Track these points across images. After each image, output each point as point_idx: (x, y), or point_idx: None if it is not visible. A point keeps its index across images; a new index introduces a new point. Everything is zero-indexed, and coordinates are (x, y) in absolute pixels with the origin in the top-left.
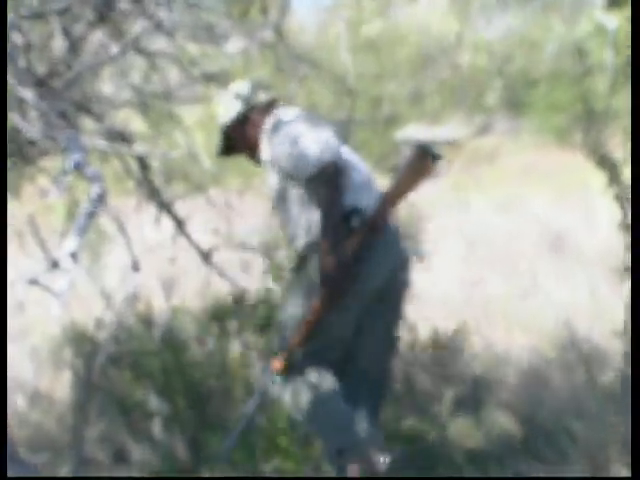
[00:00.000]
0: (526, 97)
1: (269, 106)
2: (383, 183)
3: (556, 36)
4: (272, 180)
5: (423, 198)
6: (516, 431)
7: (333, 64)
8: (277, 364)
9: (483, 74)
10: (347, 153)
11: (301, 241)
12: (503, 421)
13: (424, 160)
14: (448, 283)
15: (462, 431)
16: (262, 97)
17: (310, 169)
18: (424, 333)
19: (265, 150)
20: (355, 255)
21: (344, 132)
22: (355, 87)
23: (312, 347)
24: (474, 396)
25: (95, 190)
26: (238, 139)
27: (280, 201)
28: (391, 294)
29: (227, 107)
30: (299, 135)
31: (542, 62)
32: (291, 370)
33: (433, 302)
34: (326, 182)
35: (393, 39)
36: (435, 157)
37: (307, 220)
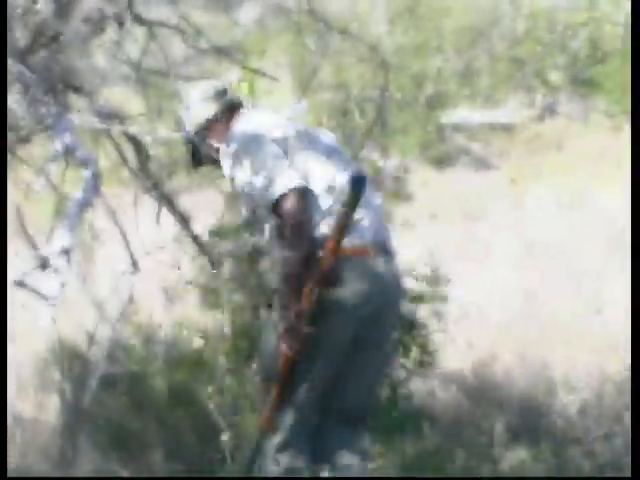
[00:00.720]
0: (595, 74)
1: (233, 111)
2: (427, 176)
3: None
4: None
5: (473, 192)
6: (581, 466)
7: (366, 36)
8: (264, 422)
9: (544, 47)
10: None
11: (275, 275)
12: (566, 455)
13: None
14: (501, 293)
15: (517, 466)
16: (227, 101)
17: (273, 198)
18: (472, 353)
19: (226, 163)
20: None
21: (379, 115)
22: (393, 62)
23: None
24: (530, 425)
25: (88, 175)
26: (203, 147)
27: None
28: (377, 324)
29: (195, 111)
30: (266, 157)
31: (613, 35)
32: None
33: (483, 315)
34: (290, 224)
35: (437, 7)
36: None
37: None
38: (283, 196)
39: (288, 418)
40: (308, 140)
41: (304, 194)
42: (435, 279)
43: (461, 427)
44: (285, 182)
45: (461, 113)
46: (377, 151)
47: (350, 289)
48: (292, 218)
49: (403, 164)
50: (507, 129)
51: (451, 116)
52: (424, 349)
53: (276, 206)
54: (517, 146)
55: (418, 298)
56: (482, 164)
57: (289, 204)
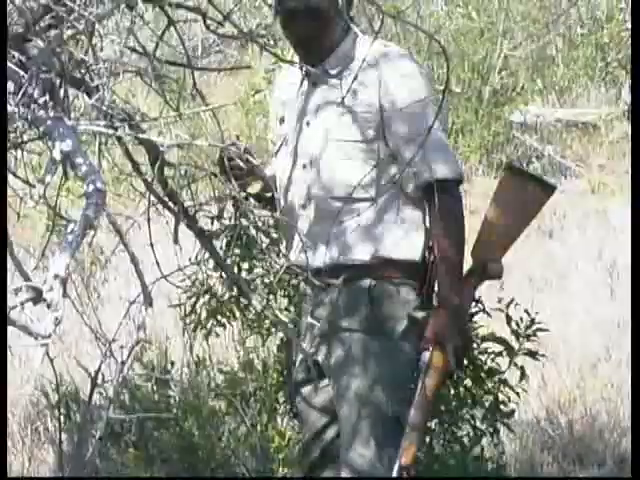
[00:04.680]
0: None
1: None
2: (492, 185)
3: None
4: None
5: (548, 205)
6: None
7: (422, 18)
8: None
9: (629, 32)
10: None
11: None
12: None
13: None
14: (582, 324)
15: None
16: None
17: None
18: (551, 395)
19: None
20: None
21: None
22: (452, 48)
23: None
24: None
25: (90, 190)
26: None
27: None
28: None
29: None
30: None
31: None
32: None
33: (565, 352)
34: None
35: None
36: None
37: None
38: (451, 182)
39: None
40: None
41: None
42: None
43: None
44: (456, 166)
45: (533, 110)
46: None
47: None
48: (460, 206)
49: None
50: (587, 129)
51: (521, 114)
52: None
53: (430, 188)
54: (600, 149)
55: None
56: (558, 170)
57: (457, 192)
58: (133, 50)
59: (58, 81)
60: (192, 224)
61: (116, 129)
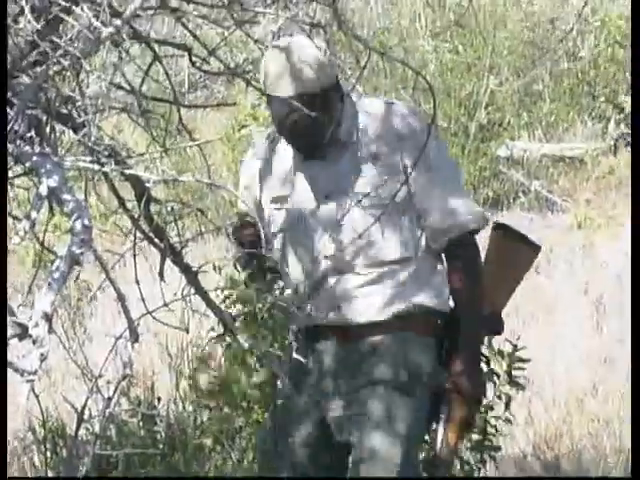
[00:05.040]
0: None
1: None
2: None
3: None
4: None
5: (534, 239)
6: None
7: (408, 52)
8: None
9: (617, 66)
10: None
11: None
12: None
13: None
14: (568, 359)
15: None
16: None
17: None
18: (538, 431)
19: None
20: None
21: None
22: (438, 83)
23: None
24: None
25: (77, 226)
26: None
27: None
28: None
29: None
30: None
31: None
32: None
33: (552, 387)
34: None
35: (490, 18)
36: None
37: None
38: (476, 230)
39: None
40: None
41: None
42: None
43: None
44: (482, 213)
45: (519, 145)
46: None
47: None
48: (480, 255)
49: None
50: (574, 164)
51: (507, 148)
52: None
53: (462, 236)
54: (586, 184)
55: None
56: (544, 205)
57: (476, 240)
58: (119, 87)
59: (44, 117)
60: (178, 260)
61: (102, 165)
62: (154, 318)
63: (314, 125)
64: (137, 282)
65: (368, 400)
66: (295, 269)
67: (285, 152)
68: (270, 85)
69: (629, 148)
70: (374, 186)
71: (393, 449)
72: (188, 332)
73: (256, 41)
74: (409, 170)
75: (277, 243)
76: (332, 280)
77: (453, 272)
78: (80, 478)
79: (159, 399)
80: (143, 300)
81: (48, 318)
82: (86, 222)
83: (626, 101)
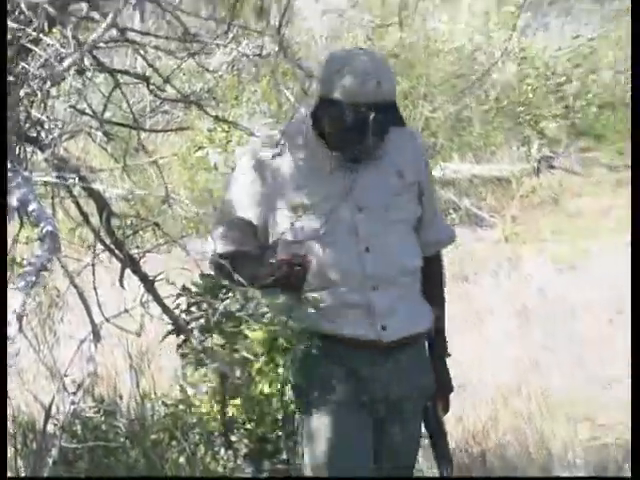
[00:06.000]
0: (595, 124)
1: None
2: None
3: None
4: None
5: (464, 252)
6: None
7: None
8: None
9: (539, 94)
10: None
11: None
12: None
13: None
14: (495, 363)
15: None
16: None
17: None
18: (463, 428)
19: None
20: None
21: None
22: None
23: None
24: None
25: (44, 233)
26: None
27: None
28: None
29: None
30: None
31: (614, 81)
32: None
33: (478, 390)
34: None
35: (423, 51)
36: None
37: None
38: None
39: None
40: None
41: None
42: None
43: None
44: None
45: (451, 167)
46: None
47: None
48: None
49: None
50: (501, 183)
51: (440, 169)
52: None
53: (439, 251)
54: (512, 202)
55: None
56: (474, 221)
57: None
58: (83, 113)
59: (14, 138)
60: (137, 269)
61: (66, 180)
62: (108, 322)
63: (382, 132)
64: (95, 289)
65: (410, 410)
66: (323, 277)
67: (304, 162)
68: (349, 89)
69: (551, 170)
70: (401, 200)
71: (415, 445)
72: (140, 336)
73: (209, 71)
74: (423, 187)
75: (300, 250)
76: (366, 293)
77: (433, 284)
78: (80, 478)
79: (121, 397)
80: (99, 306)
81: (19, 318)
82: (52, 229)
83: (547, 127)
